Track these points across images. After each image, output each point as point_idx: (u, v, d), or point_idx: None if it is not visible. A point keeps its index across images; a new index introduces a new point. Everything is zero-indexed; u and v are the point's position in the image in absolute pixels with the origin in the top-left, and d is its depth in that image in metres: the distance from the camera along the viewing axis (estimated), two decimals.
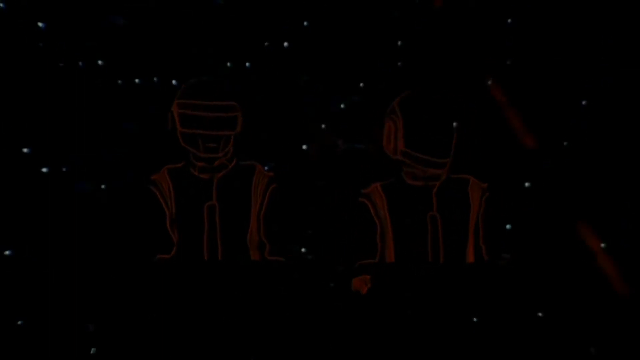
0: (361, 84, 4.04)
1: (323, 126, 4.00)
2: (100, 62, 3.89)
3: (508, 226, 3.73)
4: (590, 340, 3.46)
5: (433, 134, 3.19)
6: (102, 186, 3.80)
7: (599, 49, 3.85)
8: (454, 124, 3.22)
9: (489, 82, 3.93)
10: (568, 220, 3.79)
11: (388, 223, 3.22)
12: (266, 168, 3.39)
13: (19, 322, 3.56)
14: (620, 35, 3.84)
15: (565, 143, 3.86)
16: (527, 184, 3.85)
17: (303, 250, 3.70)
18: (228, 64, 3.95)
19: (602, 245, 3.73)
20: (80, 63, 3.88)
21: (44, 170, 3.75)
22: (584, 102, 3.85)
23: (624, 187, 3.77)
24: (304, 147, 3.99)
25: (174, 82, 3.88)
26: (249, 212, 3.23)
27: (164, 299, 3.15)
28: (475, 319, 3.12)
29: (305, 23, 4.01)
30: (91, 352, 3.50)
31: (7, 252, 3.64)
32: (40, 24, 3.84)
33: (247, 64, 3.89)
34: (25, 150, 3.73)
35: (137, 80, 3.93)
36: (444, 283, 3.13)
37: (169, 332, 3.12)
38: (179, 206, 3.21)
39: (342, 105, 4.01)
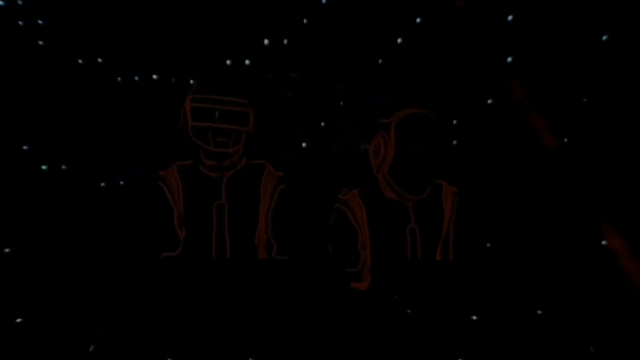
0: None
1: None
2: (100, 60, 3.88)
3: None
4: (590, 340, 3.51)
5: (417, 174, 3.17)
6: (102, 183, 3.80)
7: (615, 50, 3.84)
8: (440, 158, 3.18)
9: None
10: (573, 218, 3.81)
11: (367, 233, 3.20)
12: None
13: (18, 320, 3.54)
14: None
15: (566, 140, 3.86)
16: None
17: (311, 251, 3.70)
18: (228, 62, 3.96)
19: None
20: (80, 61, 3.86)
21: (44, 167, 3.74)
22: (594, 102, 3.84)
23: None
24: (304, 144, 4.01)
25: (173, 79, 3.89)
26: (258, 212, 3.24)
27: (169, 296, 3.16)
28: (474, 318, 3.16)
29: (305, 20, 4.02)
30: (90, 349, 3.49)
31: (6, 250, 3.62)
32: (40, 22, 3.82)
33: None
34: (25, 147, 3.72)
35: (136, 78, 3.93)
36: (424, 283, 3.15)
37: (173, 330, 3.13)
38: (188, 204, 3.21)
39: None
